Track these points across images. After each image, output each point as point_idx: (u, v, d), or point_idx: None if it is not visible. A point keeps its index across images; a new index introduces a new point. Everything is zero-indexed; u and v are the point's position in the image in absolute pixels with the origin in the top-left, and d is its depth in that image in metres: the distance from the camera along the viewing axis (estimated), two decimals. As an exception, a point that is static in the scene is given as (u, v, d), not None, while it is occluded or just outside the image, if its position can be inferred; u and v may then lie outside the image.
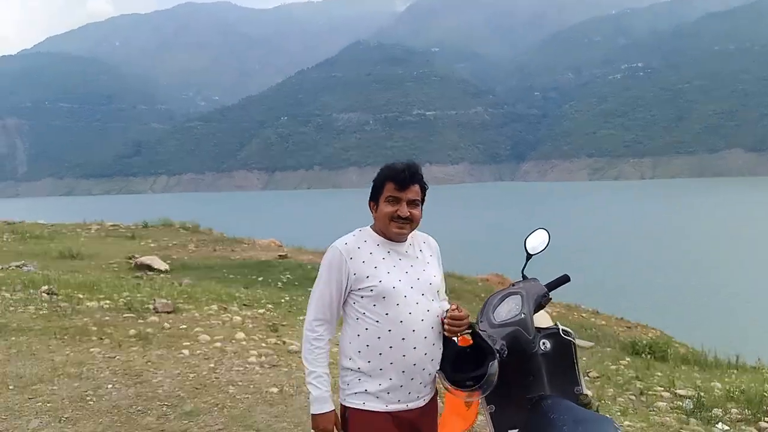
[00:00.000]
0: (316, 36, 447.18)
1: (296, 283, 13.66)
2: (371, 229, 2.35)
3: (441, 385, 2.35)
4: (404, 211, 2.24)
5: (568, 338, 2.41)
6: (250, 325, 7.12)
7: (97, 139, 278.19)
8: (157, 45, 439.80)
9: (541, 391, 2.34)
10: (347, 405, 2.26)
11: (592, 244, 37.67)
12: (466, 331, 2.32)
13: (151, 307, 7.54)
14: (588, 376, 5.67)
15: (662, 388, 5.14)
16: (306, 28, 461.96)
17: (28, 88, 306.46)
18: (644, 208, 69.52)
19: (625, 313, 15.51)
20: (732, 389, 4.92)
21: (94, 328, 6.37)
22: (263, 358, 5.61)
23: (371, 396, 2.21)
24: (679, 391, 5.02)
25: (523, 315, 2.34)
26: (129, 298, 8.29)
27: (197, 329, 6.59)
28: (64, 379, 4.87)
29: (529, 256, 2.71)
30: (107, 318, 6.93)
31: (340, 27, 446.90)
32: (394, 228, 2.26)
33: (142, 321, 6.85)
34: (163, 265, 14.74)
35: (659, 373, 5.73)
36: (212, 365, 5.36)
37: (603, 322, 13.84)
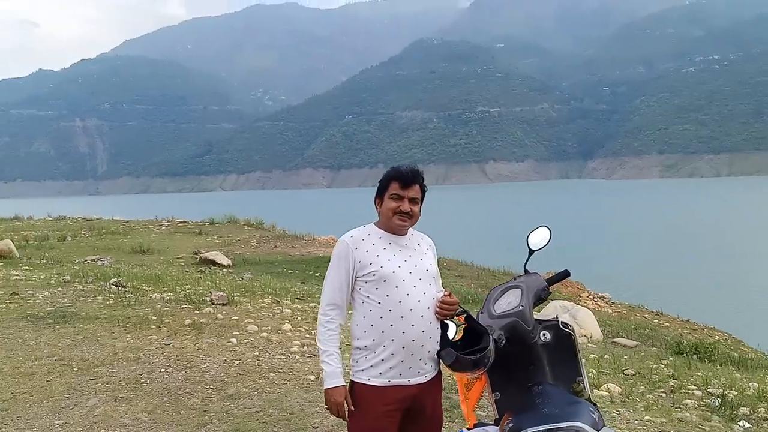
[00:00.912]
0: (380, 34, 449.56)
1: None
2: (375, 225, 2.63)
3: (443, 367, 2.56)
4: (406, 206, 2.53)
5: (567, 330, 2.56)
6: (299, 318, 7.43)
7: (171, 139, 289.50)
8: (227, 47, 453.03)
9: (542, 379, 2.49)
10: (354, 380, 2.52)
11: (663, 244, 36.39)
12: (459, 314, 2.55)
13: (207, 299, 7.96)
14: (623, 373, 5.68)
15: (695, 387, 5.10)
16: (370, 27, 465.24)
17: (107, 90, 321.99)
18: (720, 206, 66.45)
19: (694, 315, 15.01)
20: (766, 389, 4.83)
21: (154, 318, 6.83)
22: (305, 348, 5.90)
23: (375, 371, 2.46)
24: (711, 390, 4.97)
25: (521, 307, 2.50)
26: (189, 291, 8.77)
27: (247, 320, 6.95)
28: (123, 363, 5.29)
29: (531, 252, 2.86)
30: (166, 308, 7.39)
31: (403, 25, 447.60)
32: (397, 221, 2.54)
33: (197, 312, 7.27)
34: (225, 260, 15.32)
35: (699, 373, 5.65)
36: (257, 353, 5.69)
37: (666, 324, 13.47)
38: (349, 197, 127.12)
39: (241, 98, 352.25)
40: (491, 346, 2.37)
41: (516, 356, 2.52)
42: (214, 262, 15.05)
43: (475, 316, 2.61)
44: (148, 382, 4.87)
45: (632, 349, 7.33)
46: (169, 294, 8.53)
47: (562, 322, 2.58)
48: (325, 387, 2.48)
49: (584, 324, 7.30)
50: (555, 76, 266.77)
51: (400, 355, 2.45)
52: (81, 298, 7.84)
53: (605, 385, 5.04)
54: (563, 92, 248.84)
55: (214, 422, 4.14)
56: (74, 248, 17.31)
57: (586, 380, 2.57)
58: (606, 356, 6.58)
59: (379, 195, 2.60)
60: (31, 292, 8.19)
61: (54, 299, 7.74)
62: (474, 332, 2.53)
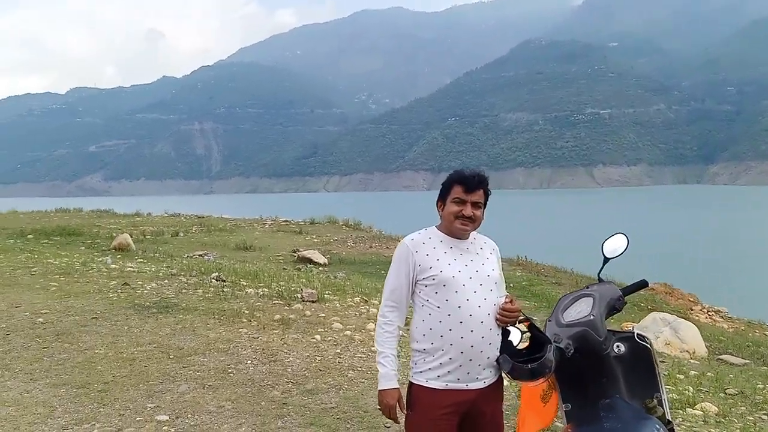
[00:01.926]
0: (486, 36, 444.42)
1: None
2: (436, 228, 2.62)
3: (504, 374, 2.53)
4: (468, 211, 2.50)
5: (644, 343, 2.44)
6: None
7: (279, 141, 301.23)
8: (334, 52, 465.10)
9: (617, 393, 2.38)
10: (412, 382, 2.51)
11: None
12: (522, 321, 2.51)
13: (299, 295, 8.22)
14: (724, 392, 5.28)
15: (804, 413, 4.64)
16: (476, 30, 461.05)
17: (223, 95, 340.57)
18: None
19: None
20: None
21: (246, 312, 7.14)
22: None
23: (433, 374, 2.44)
24: (821, 418, 4.50)
25: (592, 317, 2.41)
26: (283, 287, 9.08)
27: (334, 318, 7.11)
28: (214, 353, 5.57)
29: (606, 260, 2.74)
30: (259, 303, 7.70)
31: (511, 26, 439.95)
32: (458, 225, 2.51)
33: (287, 308, 7.52)
34: (322, 259, 15.74)
35: (814, 399, 5.14)
36: (338, 351, 5.81)
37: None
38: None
39: (345, 102, 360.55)
40: (551, 355, 2.30)
41: (588, 368, 2.44)
42: (310, 261, 15.50)
43: (543, 325, 2.55)
44: (234, 372, 5.10)
45: (739, 367, 6.79)
46: (264, 289, 8.88)
47: (638, 333, 2.47)
48: (379, 388, 2.50)
49: (687, 339, 6.84)
50: (673, 75, 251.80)
51: (458, 360, 2.43)
52: (183, 291, 8.33)
53: (701, 404, 4.71)
54: (682, 92, 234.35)
55: (292, 415, 4.26)
56: (185, 243, 18.43)
57: (664, 397, 2.44)
58: (708, 374, 6.14)
59: (442, 198, 2.59)
60: (140, 283, 8.81)
61: (160, 290, 8.28)
62: (536, 344, 2.47)
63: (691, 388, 5.23)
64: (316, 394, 4.68)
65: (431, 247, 2.52)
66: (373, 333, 6.52)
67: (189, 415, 4.18)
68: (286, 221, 26.44)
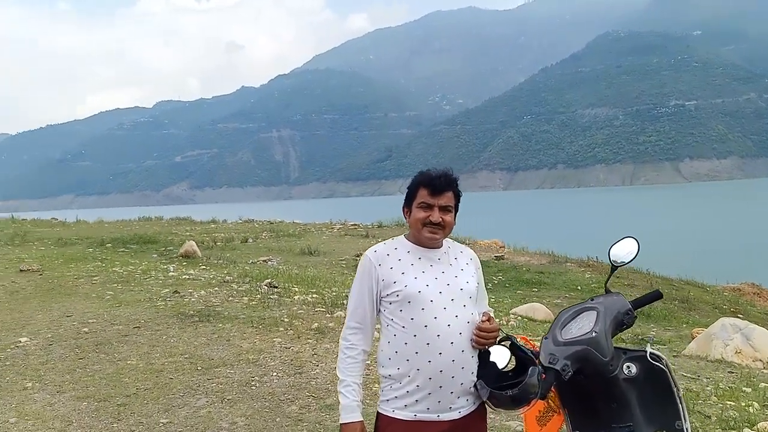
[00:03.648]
0: (560, 31, 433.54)
1: (506, 285, 13.42)
2: (404, 238, 2.32)
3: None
4: (436, 216, 2.21)
5: (658, 364, 2.11)
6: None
7: (354, 146, 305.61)
8: (407, 55, 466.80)
9: (629, 421, 2.09)
10: (379, 412, 2.23)
11: None
12: (503, 343, 2.20)
13: (345, 302, 8.02)
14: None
15: None
16: (550, 25, 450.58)
17: (299, 102, 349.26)
18: None
19: None
20: None
21: (285, 320, 7.00)
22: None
23: (400, 403, 2.17)
24: None
25: (594, 333, 2.09)
26: (334, 293, 8.92)
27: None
28: (242, 364, 5.44)
29: (613, 268, 2.39)
30: (301, 311, 7.56)
31: (585, 20, 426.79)
32: (426, 233, 2.23)
33: (329, 315, 7.34)
34: (383, 263, 15.55)
35: None
36: (369, 362, 5.52)
37: None
38: (524, 199, 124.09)
39: (419, 104, 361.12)
40: (534, 379, 2.00)
41: (596, 391, 2.12)
42: (372, 265, 15.33)
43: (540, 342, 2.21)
44: (257, 385, 4.94)
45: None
46: (314, 295, 8.75)
47: (651, 353, 2.12)
48: (340, 422, 2.21)
49: (761, 347, 6.13)
50: (762, 62, 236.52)
51: (427, 388, 2.13)
52: (230, 299, 8.31)
53: (762, 423, 4.12)
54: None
55: (304, 433, 4.05)
56: (252, 249, 18.69)
57: (686, 426, 2.08)
58: (784, 388, 5.45)
59: (407, 204, 2.29)
60: (190, 290, 8.88)
61: (206, 299, 8.30)
62: (522, 366, 2.14)
63: (756, 404, 4.63)
64: (334, 409, 4.41)
65: (396, 259, 2.23)
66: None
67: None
68: (355, 225, 26.44)
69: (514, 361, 2.22)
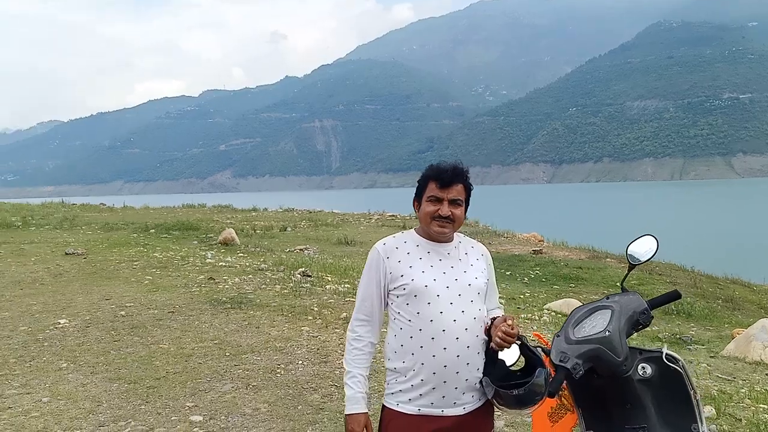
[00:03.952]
0: (609, 21, 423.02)
1: (543, 280, 13.22)
2: (414, 231, 2.32)
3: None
4: (445, 210, 2.18)
5: (674, 366, 2.06)
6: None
7: (396, 136, 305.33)
8: (450, 45, 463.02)
9: (644, 422, 2.05)
10: (384, 404, 2.23)
11: None
12: (515, 342, 2.15)
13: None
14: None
15: None
16: (599, 14, 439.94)
17: (342, 92, 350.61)
18: None
19: None
20: None
21: (315, 309, 7.06)
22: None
23: (404, 397, 2.15)
24: None
25: (607, 333, 2.05)
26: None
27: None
28: (269, 352, 5.50)
29: (631, 267, 2.33)
30: (331, 300, 7.61)
31: (636, 9, 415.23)
32: (435, 227, 2.21)
33: (359, 305, 7.35)
34: (419, 255, 15.51)
35: None
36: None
37: None
38: (568, 193, 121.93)
39: (462, 95, 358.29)
40: (540, 380, 1.99)
41: (610, 391, 2.09)
42: (406, 256, 15.32)
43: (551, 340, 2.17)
44: (282, 373, 4.99)
45: None
46: (347, 285, 8.79)
47: (666, 354, 2.06)
48: (345, 413, 2.21)
49: (807, 352, 5.89)
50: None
51: (431, 382, 2.11)
52: (263, 286, 8.42)
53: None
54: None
55: (324, 422, 4.07)
56: (290, 238, 18.88)
57: (703, 428, 2.04)
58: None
59: (417, 197, 2.27)
60: (225, 278, 9.03)
61: (240, 286, 8.42)
62: (530, 366, 2.11)
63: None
64: (357, 400, 4.44)
65: (405, 252, 2.21)
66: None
67: (222, 417, 4.11)
68: (393, 216, 26.47)
69: (523, 360, 2.18)
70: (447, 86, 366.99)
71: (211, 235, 17.91)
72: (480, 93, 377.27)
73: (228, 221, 21.79)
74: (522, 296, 10.73)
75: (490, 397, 2.13)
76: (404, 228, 22.32)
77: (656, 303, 2.20)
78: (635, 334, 2.27)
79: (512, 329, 2.10)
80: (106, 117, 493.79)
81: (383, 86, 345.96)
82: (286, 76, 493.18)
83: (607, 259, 16.05)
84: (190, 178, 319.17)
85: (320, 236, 19.31)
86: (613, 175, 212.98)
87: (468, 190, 2.24)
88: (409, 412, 2.13)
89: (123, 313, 6.92)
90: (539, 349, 2.15)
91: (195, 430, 3.92)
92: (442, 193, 2.17)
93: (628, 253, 2.35)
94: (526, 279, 13.11)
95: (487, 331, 2.18)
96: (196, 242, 16.67)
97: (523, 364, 2.16)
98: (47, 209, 24.50)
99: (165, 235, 17.91)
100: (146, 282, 8.84)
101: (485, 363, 2.17)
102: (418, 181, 2.27)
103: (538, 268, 14.18)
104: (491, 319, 2.22)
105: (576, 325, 2.16)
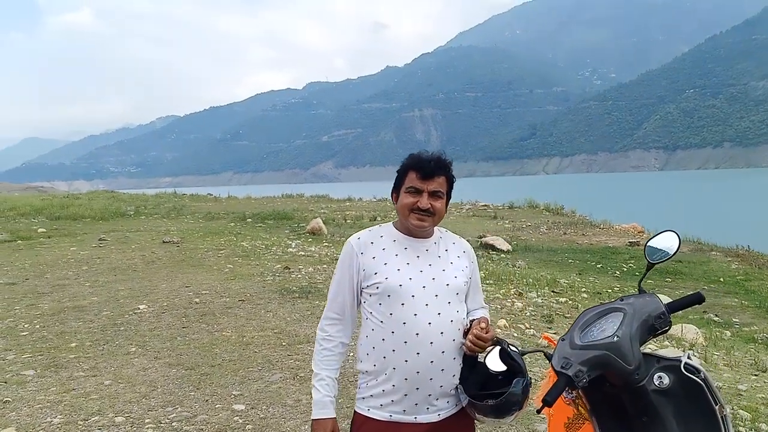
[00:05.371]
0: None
1: (636, 274, 12.49)
2: (392, 225, 2.15)
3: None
4: (425, 202, 2.02)
5: (694, 376, 1.86)
6: (527, 314, 6.85)
7: (497, 124, 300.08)
8: (554, 27, 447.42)
9: None
10: (355, 409, 2.10)
11: None
12: (493, 347, 2.01)
13: (445, 285, 7.89)
14: None
15: None
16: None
17: (442, 80, 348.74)
18: None
19: None
20: None
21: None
22: (504, 350, 5.37)
23: (375, 402, 2.03)
24: None
25: (616, 338, 1.87)
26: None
27: (468, 312, 6.66)
28: (324, 343, 5.53)
29: (649, 266, 2.06)
30: (399, 292, 7.54)
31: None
32: (414, 220, 2.04)
33: (425, 298, 7.24)
34: (505, 245, 15.12)
35: None
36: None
37: None
38: (682, 181, 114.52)
39: (567, 79, 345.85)
40: (518, 389, 1.92)
41: (624, 402, 1.92)
42: (493, 247, 14.98)
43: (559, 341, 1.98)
44: (332, 365, 4.99)
45: None
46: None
47: (686, 364, 1.86)
48: (312, 417, 2.10)
49: None
50: None
51: (403, 389, 1.97)
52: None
53: None
54: None
55: (361, 418, 4.02)
56: (378, 228, 19.07)
57: None
58: None
59: (396, 189, 2.12)
60: (300, 267, 9.20)
61: (312, 276, 8.55)
62: (512, 372, 1.99)
63: None
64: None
65: (380, 248, 2.05)
66: (498, 330, 5.98)
67: (264, 407, 4.15)
68: (485, 205, 26.02)
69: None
70: (551, 71, 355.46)
71: (303, 224, 18.39)
72: (587, 77, 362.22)
73: (322, 211, 22.29)
74: (609, 291, 10.18)
75: (464, 405, 1.99)
76: (495, 218, 21.88)
77: (676, 306, 1.92)
78: (658, 339, 2.01)
79: (486, 332, 1.95)
80: (218, 111, 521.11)
81: (484, 73, 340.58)
82: (387, 66, 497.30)
83: (712, 252, 14.93)
84: (294, 168, 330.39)
85: (409, 226, 19.30)
86: (735, 161, 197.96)
87: (450, 182, 2.09)
88: (380, 418, 2.01)
89: (197, 300, 7.22)
90: (519, 353, 1.97)
91: (235, 418, 3.99)
92: (423, 184, 2.02)
93: (647, 251, 2.09)
94: (617, 273, 12.45)
95: (466, 334, 2.01)
96: (287, 231, 17.20)
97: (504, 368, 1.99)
98: (160, 199, 26.15)
99: (260, 225, 18.60)
100: (226, 270, 9.18)
101: (462, 368, 2.02)
102: (397, 171, 2.12)
103: (632, 261, 13.43)
104: (470, 321, 2.05)
105: (584, 329, 1.95)
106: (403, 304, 1.98)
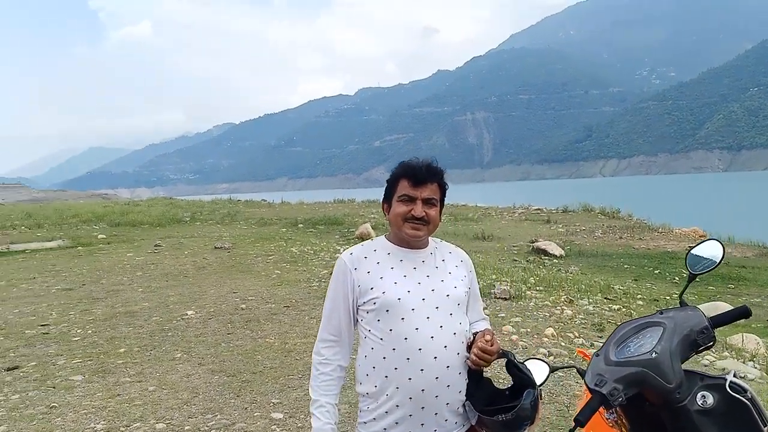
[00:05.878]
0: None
1: (698, 280, 11.92)
2: (385, 238, 2.05)
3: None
4: (419, 210, 1.94)
5: (739, 396, 1.74)
6: (577, 322, 6.60)
7: (551, 126, 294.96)
8: (609, 27, 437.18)
9: None
10: None
11: None
12: (499, 359, 1.94)
13: (492, 291, 7.72)
14: None
15: None
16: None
17: (494, 83, 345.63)
18: None
19: None
20: None
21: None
22: (550, 357, 5.17)
23: (378, 425, 1.92)
24: None
25: (654, 354, 1.77)
26: (487, 283, 8.64)
27: (515, 319, 6.47)
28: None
29: (691, 277, 1.95)
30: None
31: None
32: (408, 229, 1.96)
33: (471, 305, 7.10)
34: (558, 251, 14.76)
35: None
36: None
37: None
38: (749, 182, 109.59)
39: (623, 79, 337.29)
40: (527, 403, 1.84)
41: (665, 422, 1.80)
42: (545, 252, 14.65)
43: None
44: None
45: None
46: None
47: (731, 382, 1.75)
48: None
49: None
50: None
51: (407, 408, 1.87)
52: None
53: None
54: None
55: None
56: (428, 233, 18.91)
57: None
58: None
59: (387, 198, 2.02)
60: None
61: (358, 281, 8.51)
62: (521, 386, 1.95)
63: None
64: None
65: (374, 262, 1.95)
66: (545, 339, 5.80)
67: (302, 416, 4.12)
68: (538, 209, 25.55)
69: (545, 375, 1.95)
70: (607, 71, 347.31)
71: (353, 229, 18.44)
72: (645, 76, 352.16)
73: (372, 216, 22.29)
74: (668, 298, 9.77)
75: (474, 423, 1.90)
76: (548, 222, 21.41)
77: (721, 321, 1.82)
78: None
79: (491, 345, 1.87)
80: (272, 118, 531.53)
81: (537, 75, 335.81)
82: (438, 70, 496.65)
83: (779, 258, 14.18)
84: (347, 174, 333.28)
85: (458, 231, 19.07)
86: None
87: (443, 189, 2.01)
88: None
89: (244, 306, 7.29)
90: (527, 367, 1.91)
91: (273, 427, 3.97)
92: (416, 192, 1.93)
93: (689, 261, 1.92)
94: (676, 278, 11.96)
95: (470, 347, 1.91)
96: (337, 236, 17.28)
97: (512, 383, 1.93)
98: (215, 205, 26.77)
99: (311, 230, 18.77)
100: (274, 276, 9.26)
101: (468, 383, 1.92)
102: (387, 181, 2.03)
103: (692, 267, 12.88)
104: (473, 333, 1.95)
105: (620, 344, 1.86)
106: (403, 318, 1.89)
